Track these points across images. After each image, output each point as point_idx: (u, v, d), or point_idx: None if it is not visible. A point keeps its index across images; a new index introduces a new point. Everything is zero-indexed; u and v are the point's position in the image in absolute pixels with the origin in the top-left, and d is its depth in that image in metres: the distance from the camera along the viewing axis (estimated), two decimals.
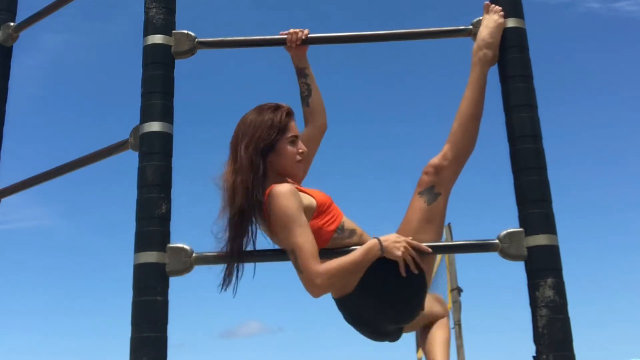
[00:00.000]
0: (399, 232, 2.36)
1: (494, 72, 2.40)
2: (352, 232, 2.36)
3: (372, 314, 2.39)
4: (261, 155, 2.32)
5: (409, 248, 2.24)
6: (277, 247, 2.34)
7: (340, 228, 2.33)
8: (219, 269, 2.54)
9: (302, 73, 2.60)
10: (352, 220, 2.41)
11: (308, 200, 2.30)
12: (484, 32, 2.40)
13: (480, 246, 2.25)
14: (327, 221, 2.31)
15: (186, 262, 2.21)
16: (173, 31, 2.43)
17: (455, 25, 2.45)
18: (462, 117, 2.41)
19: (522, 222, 2.21)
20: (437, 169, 2.38)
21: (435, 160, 2.39)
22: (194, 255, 2.23)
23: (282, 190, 2.23)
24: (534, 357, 2.08)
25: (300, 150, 2.42)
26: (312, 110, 2.60)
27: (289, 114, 2.43)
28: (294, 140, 2.40)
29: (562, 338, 2.06)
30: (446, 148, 2.40)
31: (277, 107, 2.41)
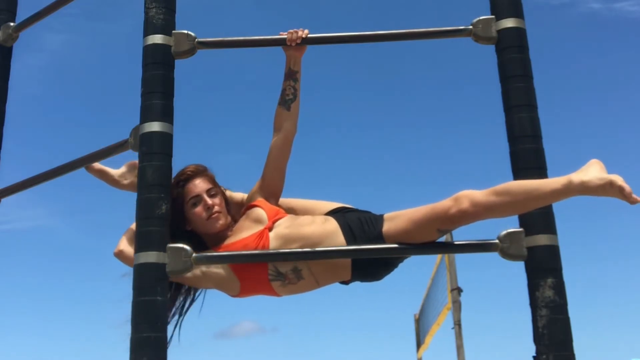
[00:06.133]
0: (395, 217, 2.36)
1: (494, 72, 2.40)
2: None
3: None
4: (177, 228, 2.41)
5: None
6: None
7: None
8: None
9: (293, 76, 2.60)
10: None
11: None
12: (596, 174, 2.07)
13: (480, 246, 2.25)
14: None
15: (186, 262, 2.21)
16: (173, 31, 2.43)
17: (455, 25, 2.45)
18: (527, 191, 2.13)
19: (522, 222, 2.21)
20: (464, 215, 2.20)
21: (468, 203, 2.18)
22: (194, 255, 2.23)
23: None
24: (534, 357, 2.08)
25: (208, 206, 2.49)
26: (291, 115, 2.60)
27: (182, 181, 2.52)
28: (196, 202, 2.50)
29: (562, 338, 2.06)
30: (487, 196, 2.17)
31: (174, 181, 2.45)
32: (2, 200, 2.85)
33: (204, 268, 2.42)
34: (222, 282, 2.44)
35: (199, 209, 2.49)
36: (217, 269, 2.42)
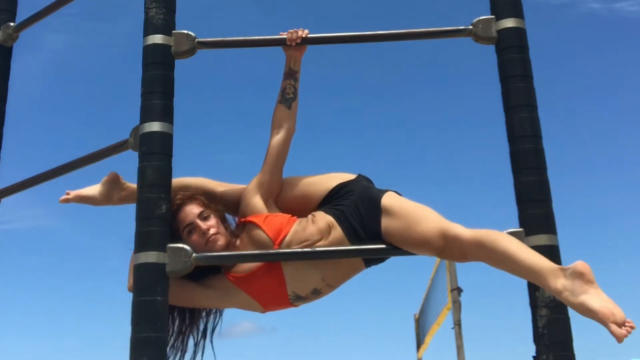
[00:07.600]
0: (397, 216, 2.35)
1: (494, 72, 2.40)
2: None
3: None
4: None
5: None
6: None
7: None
8: None
9: (293, 76, 2.59)
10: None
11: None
12: (594, 303, 1.92)
13: None
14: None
15: (186, 262, 2.21)
16: (173, 31, 2.43)
17: (455, 25, 2.45)
18: (514, 266, 2.09)
19: (522, 222, 2.21)
20: (454, 259, 2.35)
21: (457, 252, 2.23)
22: (194, 255, 2.23)
23: None
24: (534, 357, 2.08)
25: (203, 232, 2.42)
26: (292, 114, 2.59)
27: (173, 212, 2.40)
28: (191, 230, 2.43)
29: (562, 338, 2.06)
30: (475, 248, 2.18)
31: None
32: (2, 200, 2.85)
33: (225, 295, 2.49)
34: (246, 307, 2.55)
35: (195, 236, 2.41)
36: (239, 297, 2.48)
